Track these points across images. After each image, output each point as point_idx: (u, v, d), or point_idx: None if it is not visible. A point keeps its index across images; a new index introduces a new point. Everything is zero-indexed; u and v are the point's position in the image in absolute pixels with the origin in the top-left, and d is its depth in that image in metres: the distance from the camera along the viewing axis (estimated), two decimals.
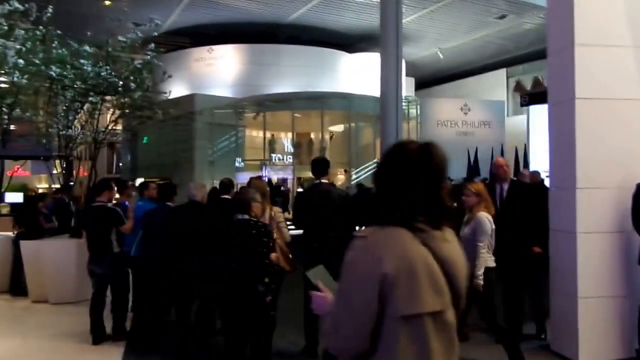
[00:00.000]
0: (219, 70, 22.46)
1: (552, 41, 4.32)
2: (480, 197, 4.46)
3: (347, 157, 20.31)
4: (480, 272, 4.32)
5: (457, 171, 15.57)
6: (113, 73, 7.25)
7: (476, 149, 16.07)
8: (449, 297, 1.47)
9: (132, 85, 7.31)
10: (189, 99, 19.87)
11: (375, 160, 19.99)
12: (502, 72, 25.66)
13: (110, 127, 7.35)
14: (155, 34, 7.15)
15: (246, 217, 4.03)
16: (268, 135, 20.74)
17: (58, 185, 8.69)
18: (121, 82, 7.15)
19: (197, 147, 19.39)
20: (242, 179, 19.28)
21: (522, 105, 12.75)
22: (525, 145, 17.79)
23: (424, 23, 22.65)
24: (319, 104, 19.55)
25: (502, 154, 15.56)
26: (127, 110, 7.48)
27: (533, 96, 12.16)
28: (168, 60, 19.34)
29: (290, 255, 4.71)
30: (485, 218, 4.42)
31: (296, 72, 22.33)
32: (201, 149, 19.56)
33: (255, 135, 22.10)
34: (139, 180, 22.13)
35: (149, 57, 7.35)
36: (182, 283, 4.86)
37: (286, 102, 19.66)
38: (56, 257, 7.38)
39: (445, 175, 1.54)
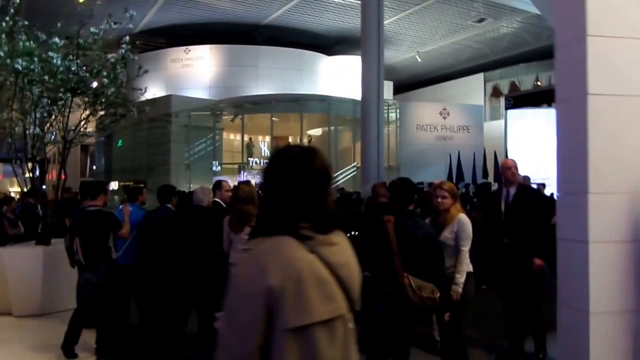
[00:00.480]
0: (196, 71, 21.98)
1: (560, 32, 4.02)
2: (456, 197, 4.24)
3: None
4: (462, 278, 4.06)
5: (435, 175, 15.40)
6: (84, 67, 6.76)
7: (458, 153, 15.94)
8: (343, 302, 1.47)
9: (105, 80, 6.82)
10: (165, 100, 19.35)
11: (354, 164, 19.76)
12: (479, 77, 25.77)
13: (81, 126, 6.84)
14: (131, 25, 6.70)
15: None
16: (246, 138, 20.30)
17: (26, 189, 8.18)
18: (92, 77, 6.64)
19: (173, 150, 18.88)
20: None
21: (507, 108, 12.67)
22: (505, 150, 17.85)
23: (402, 26, 22.60)
24: (298, 107, 19.24)
25: (484, 158, 15.44)
26: (99, 108, 6.98)
27: (518, 99, 12.06)
28: (143, 61, 18.64)
29: None
30: (468, 220, 4.19)
31: (274, 74, 21.99)
32: (177, 152, 19.06)
33: (232, 138, 21.66)
34: (112, 184, 21.71)
35: (123, 50, 6.87)
36: (182, 284, 4.81)
37: (265, 104, 19.29)
38: (21, 265, 6.90)
39: (329, 179, 1.53)
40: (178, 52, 22.21)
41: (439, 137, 20.21)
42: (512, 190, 4.80)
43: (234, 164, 19.78)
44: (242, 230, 4.53)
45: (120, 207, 6.12)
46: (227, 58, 22.09)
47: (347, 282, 1.49)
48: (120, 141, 21.51)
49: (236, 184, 6.07)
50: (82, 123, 6.89)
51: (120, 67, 7.04)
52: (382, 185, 6.34)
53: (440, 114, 20.33)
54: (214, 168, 19.25)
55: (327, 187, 1.54)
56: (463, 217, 4.15)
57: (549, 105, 20.03)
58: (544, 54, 24.26)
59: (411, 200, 3.90)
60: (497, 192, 5.65)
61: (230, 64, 21.94)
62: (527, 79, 24.51)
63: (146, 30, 21.68)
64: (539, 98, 12.53)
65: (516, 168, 4.89)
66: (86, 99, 6.77)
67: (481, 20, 21.70)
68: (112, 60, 6.96)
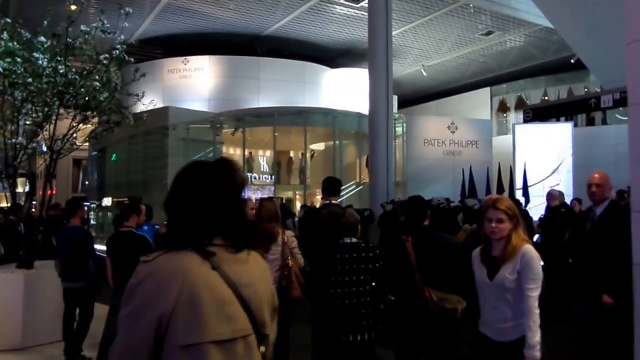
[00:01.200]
0: (194, 82, 21.25)
1: (632, 28, 3.28)
2: (517, 220, 3.02)
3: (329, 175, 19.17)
4: (538, 337, 2.82)
5: (443, 191, 14.69)
6: (73, 69, 5.97)
7: (470, 168, 15.20)
8: (247, 323, 1.44)
9: (97, 84, 6.03)
10: (162, 112, 18.58)
11: (362, 180, 19.02)
12: (485, 91, 25.20)
13: (70, 135, 6.03)
14: (126, 24, 5.98)
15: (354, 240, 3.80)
16: (247, 152, 19.54)
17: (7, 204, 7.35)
18: (83, 80, 5.85)
19: (170, 165, 18.04)
20: None
21: (525, 121, 11.96)
22: (510, 166, 17.23)
23: (408, 38, 22.07)
24: (302, 120, 18.51)
25: (499, 174, 14.70)
26: (90, 114, 6.19)
27: (537, 111, 11.36)
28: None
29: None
30: (536, 253, 2.98)
31: (276, 86, 21.30)
32: (175, 167, 18.18)
33: (232, 152, 20.88)
34: (106, 200, 20.87)
35: (117, 51, 6.09)
36: None
37: (267, 117, 18.54)
38: None
39: (241, 192, 1.51)
40: (176, 62, 21.50)
41: (447, 152, 19.51)
42: (599, 210, 3.99)
43: None
44: (268, 251, 4.32)
45: (157, 227, 5.80)
46: (227, 69, 21.38)
47: (251, 303, 1.45)
48: (114, 155, 20.70)
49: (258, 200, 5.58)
50: (71, 132, 6.10)
51: (113, 69, 6.27)
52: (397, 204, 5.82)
53: (448, 128, 19.65)
54: None
55: (240, 201, 1.52)
56: (529, 249, 2.96)
57: (567, 118, 19.56)
58: (550, 69, 23.81)
59: (425, 216, 4.03)
60: (584, 213, 4.83)
61: (230, 76, 21.23)
62: (534, 93, 23.96)
63: (142, 40, 21.02)
64: (558, 110, 11.85)
65: (602, 183, 4.06)
66: (75, 102, 5.97)
67: (489, 33, 21.20)
68: (105, 61, 6.19)
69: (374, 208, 12.45)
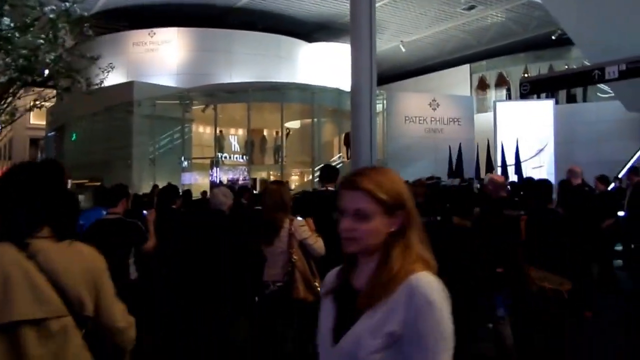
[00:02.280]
0: (162, 56, 19.92)
1: None
2: (406, 216, 1.45)
3: (307, 155, 18.34)
4: None
5: (425, 170, 14.02)
6: (12, 24, 4.90)
7: (460, 145, 14.54)
8: (59, 305, 1.63)
9: (40, 41, 4.96)
10: (126, 87, 17.33)
11: (339, 155, 18.21)
12: (465, 68, 24.52)
13: (6, 101, 4.97)
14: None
15: None
16: (218, 131, 18.45)
17: None
18: (21, 34, 4.78)
19: (135, 144, 16.86)
20: (188, 180, 17.00)
21: (522, 95, 11.27)
22: (494, 143, 16.74)
23: (387, 12, 21.12)
24: (278, 96, 17.49)
25: (487, 152, 14.09)
26: (31, 78, 5.12)
27: (535, 84, 10.62)
28: (101, 44, 16.86)
29: (317, 283, 3.93)
30: (440, 289, 1.39)
31: (250, 60, 20.16)
32: (140, 146, 17.04)
33: (202, 130, 19.77)
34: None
35: (68, 3, 5.02)
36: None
37: (240, 93, 17.44)
38: None
39: (66, 189, 1.77)
40: (141, 35, 20.09)
41: (429, 130, 18.84)
42: None
43: (205, 158, 17.88)
44: (273, 243, 3.91)
45: (145, 213, 5.37)
46: (197, 42, 20.10)
47: (67, 288, 1.64)
48: (74, 135, 19.36)
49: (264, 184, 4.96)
50: (9, 99, 5.05)
51: (62, 26, 5.20)
52: (420, 184, 5.04)
53: (430, 105, 18.95)
54: (182, 164, 17.33)
55: (66, 196, 1.75)
56: (425, 282, 0.95)
57: (549, 95, 19.07)
58: (531, 45, 23.23)
59: (549, 200, 4.19)
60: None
61: (200, 49, 19.97)
62: (514, 70, 23.37)
63: (105, 11, 19.57)
64: (558, 83, 11.16)
65: None
66: (14, 64, 4.90)
67: (471, 7, 20.42)
68: (52, 15, 5.12)
69: None
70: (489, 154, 14.13)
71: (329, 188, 5.15)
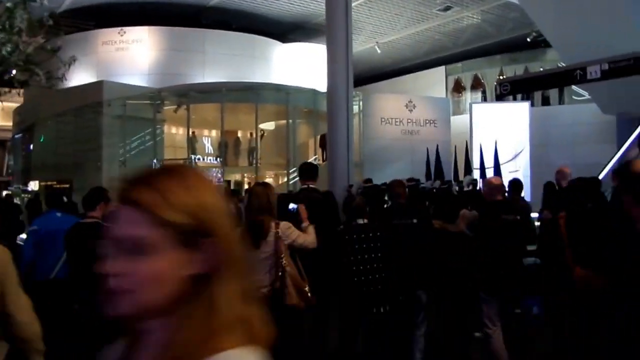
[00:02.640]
0: (133, 55, 19.37)
1: None
2: (212, 250, 1.01)
3: (282, 157, 18.06)
4: None
5: (402, 172, 13.84)
6: None
7: (437, 148, 14.40)
8: None
9: None
10: (95, 87, 16.79)
11: (314, 157, 17.96)
12: (440, 70, 24.53)
13: None
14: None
15: None
16: (191, 132, 18.01)
17: None
18: None
19: (105, 145, 16.32)
20: None
21: (502, 95, 11.16)
22: (471, 145, 16.73)
23: (362, 13, 20.97)
24: (252, 97, 17.16)
25: (466, 154, 14.00)
26: None
27: (515, 84, 10.51)
28: (70, 43, 16.32)
29: (307, 288, 3.87)
30: None
31: (223, 60, 19.75)
32: (111, 147, 16.50)
33: (175, 132, 19.30)
34: (32, 184, 18.86)
35: None
36: None
37: (213, 93, 17.04)
38: None
39: None
40: (111, 33, 19.52)
41: (405, 132, 18.71)
42: None
43: (178, 159, 17.42)
44: (258, 247, 3.73)
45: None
46: (169, 42, 19.60)
47: None
48: (42, 136, 18.70)
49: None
50: None
51: (20, 14, 4.83)
52: (400, 184, 4.82)
53: (406, 106, 18.83)
54: (154, 165, 16.82)
55: None
56: None
57: (524, 97, 19.14)
58: (506, 47, 23.35)
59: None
60: None
61: (172, 49, 19.47)
62: (490, 72, 23.46)
63: (74, 9, 18.98)
64: (538, 83, 11.09)
65: None
66: None
67: (447, 8, 20.41)
68: (8, 3, 4.75)
69: (334, 190, 11.42)
70: (467, 156, 14.04)
71: (311, 186, 5.15)
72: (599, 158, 13.94)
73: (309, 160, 18.14)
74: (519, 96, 18.63)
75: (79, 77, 18.38)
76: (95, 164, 16.04)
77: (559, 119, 18.91)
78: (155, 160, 17.03)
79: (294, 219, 4.11)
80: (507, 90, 10.19)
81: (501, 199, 4.62)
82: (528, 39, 20.67)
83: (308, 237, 3.96)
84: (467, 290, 4.41)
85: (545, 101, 21.13)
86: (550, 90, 20.10)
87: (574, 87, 19.45)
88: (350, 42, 13.02)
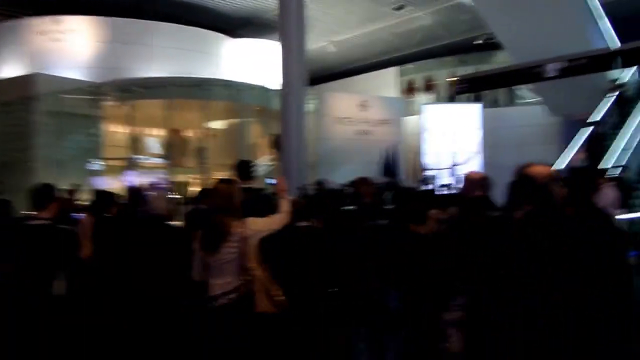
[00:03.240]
0: (69, 46, 18.07)
1: None
2: None
3: (232, 157, 17.28)
4: None
5: (356, 173, 13.49)
6: None
7: (393, 147, 14.22)
8: None
9: None
10: (27, 80, 15.53)
11: (268, 157, 17.36)
12: (392, 71, 24.46)
13: None
14: None
15: None
16: (134, 130, 17.01)
17: None
18: None
19: (38, 144, 15.11)
20: (100, 184, 15.47)
21: (458, 93, 10.95)
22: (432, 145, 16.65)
23: (314, 9, 20.50)
24: (200, 93, 16.37)
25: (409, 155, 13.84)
26: None
27: (474, 82, 10.29)
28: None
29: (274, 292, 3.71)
30: None
31: (170, 54, 18.80)
32: (44, 146, 15.27)
33: (117, 130, 18.17)
34: None
35: None
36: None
37: (159, 88, 16.13)
38: None
39: None
40: (45, 22, 18.16)
41: (358, 132, 18.43)
42: None
43: (119, 159, 16.38)
44: (218, 251, 3.58)
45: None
46: (111, 33, 18.42)
47: None
48: None
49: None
50: None
51: None
52: (365, 182, 4.41)
53: (360, 106, 18.55)
54: (92, 166, 15.71)
55: None
56: None
57: (476, 98, 19.24)
58: (456, 49, 23.49)
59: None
60: None
61: (114, 41, 18.32)
62: (441, 74, 23.53)
63: None
64: (497, 80, 10.95)
65: None
66: None
67: (400, 7, 20.26)
68: None
69: (289, 191, 10.92)
70: (419, 156, 13.95)
71: (251, 186, 4.89)
72: (546, 159, 14.03)
73: (259, 160, 17.55)
74: (471, 97, 18.72)
75: (9, 69, 17.04)
76: (26, 164, 14.83)
77: (507, 121, 19.09)
78: (96, 160, 15.96)
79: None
80: (465, 89, 9.97)
81: (482, 194, 4.29)
82: (480, 41, 20.83)
83: (276, 218, 3.76)
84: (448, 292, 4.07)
85: (493, 103, 21.33)
86: (499, 93, 20.37)
87: (518, 90, 19.84)
88: (304, 38, 12.61)
